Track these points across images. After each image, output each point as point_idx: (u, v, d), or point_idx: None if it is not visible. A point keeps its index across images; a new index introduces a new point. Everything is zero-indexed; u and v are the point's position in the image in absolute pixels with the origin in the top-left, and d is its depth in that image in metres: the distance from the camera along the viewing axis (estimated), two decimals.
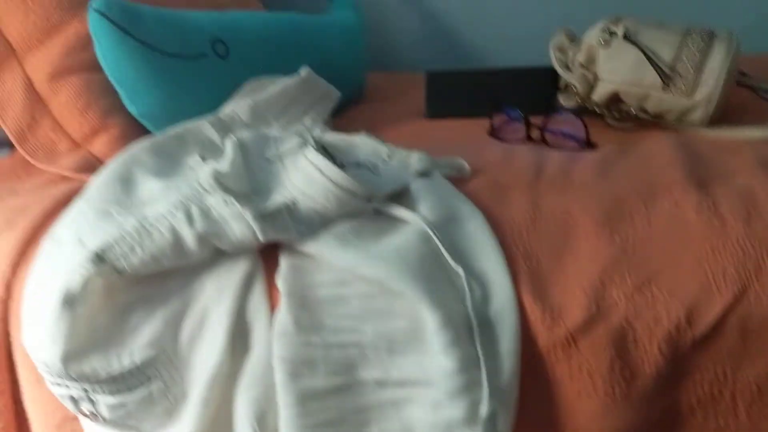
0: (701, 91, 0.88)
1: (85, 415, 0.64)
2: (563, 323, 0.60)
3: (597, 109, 0.95)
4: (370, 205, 0.70)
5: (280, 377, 0.60)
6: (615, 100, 0.94)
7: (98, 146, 0.91)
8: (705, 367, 0.60)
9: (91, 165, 0.88)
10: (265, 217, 0.64)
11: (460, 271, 0.63)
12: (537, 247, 0.66)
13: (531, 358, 0.61)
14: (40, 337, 0.62)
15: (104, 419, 0.64)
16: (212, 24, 0.95)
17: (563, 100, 0.98)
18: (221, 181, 0.68)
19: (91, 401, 0.63)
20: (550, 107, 1.01)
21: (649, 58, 0.89)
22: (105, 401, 0.63)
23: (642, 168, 0.77)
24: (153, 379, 0.63)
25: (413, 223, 0.68)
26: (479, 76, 1.09)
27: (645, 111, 0.91)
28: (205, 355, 0.63)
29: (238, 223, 0.65)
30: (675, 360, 0.60)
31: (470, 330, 0.60)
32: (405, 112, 1.11)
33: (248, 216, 0.64)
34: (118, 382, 0.62)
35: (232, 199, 0.65)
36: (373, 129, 1.02)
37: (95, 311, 0.63)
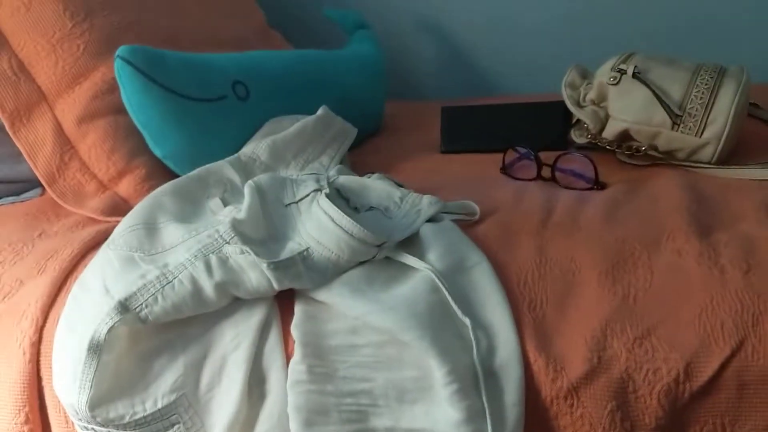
0: (710, 129, 0.88)
1: None
2: (565, 375, 0.62)
3: (608, 146, 0.96)
4: (382, 253, 0.72)
5: (294, 425, 0.62)
6: (625, 137, 0.94)
7: (124, 187, 0.94)
8: (704, 420, 0.62)
9: (118, 207, 0.91)
10: (279, 267, 0.67)
11: (468, 322, 0.64)
12: (542, 295, 0.68)
13: (535, 409, 0.63)
14: (68, 383, 0.65)
15: None
16: (233, 66, 0.98)
17: (575, 135, 1.00)
18: (239, 230, 0.70)
19: None
20: (563, 142, 1.03)
21: (658, 98, 0.90)
22: None
23: (648, 212, 0.78)
24: (175, 423, 0.66)
25: (422, 271, 0.70)
26: (494, 111, 1.11)
27: (655, 148, 0.92)
28: (224, 400, 0.66)
29: (254, 271, 0.67)
30: (674, 412, 0.61)
31: (476, 381, 0.62)
32: (421, 146, 1.13)
33: (263, 266, 0.66)
34: (143, 426, 0.65)
35: (248, 249, 0.68)
36: (389, 163, 1.05)
37: (120, 358, 0.66)
